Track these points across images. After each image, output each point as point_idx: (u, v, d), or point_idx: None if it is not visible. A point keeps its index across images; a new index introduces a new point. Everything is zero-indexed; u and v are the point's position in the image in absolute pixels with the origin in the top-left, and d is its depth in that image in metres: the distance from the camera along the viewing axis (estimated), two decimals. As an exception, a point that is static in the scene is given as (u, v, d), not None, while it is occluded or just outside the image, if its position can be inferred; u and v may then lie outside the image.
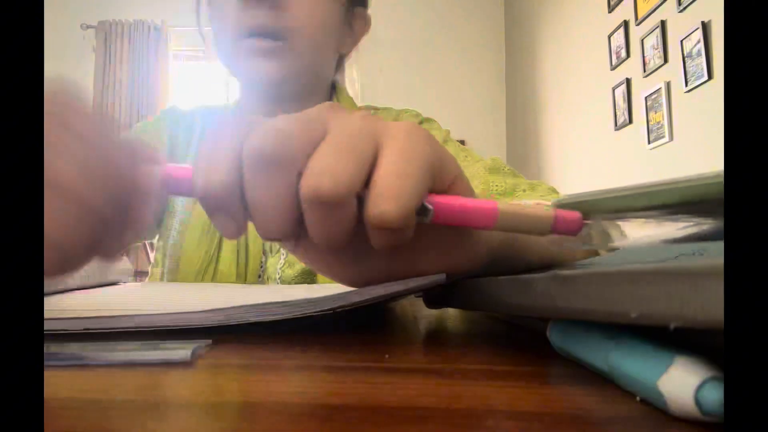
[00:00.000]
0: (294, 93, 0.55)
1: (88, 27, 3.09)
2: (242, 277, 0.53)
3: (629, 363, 0.12)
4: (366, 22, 0.60)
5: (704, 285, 0.07)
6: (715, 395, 0.10)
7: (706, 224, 0.18)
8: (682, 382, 0.10)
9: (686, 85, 1.78)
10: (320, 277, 0.52)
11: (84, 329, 0.20)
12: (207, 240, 0.53)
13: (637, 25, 2.11)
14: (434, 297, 0.24)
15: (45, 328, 0.20)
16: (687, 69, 1.77)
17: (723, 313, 0.07)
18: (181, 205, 0.57)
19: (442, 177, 0.18)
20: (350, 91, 0.64)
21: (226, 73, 0.57)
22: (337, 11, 0.54)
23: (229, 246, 0.53)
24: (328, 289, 0.35)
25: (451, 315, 0.29)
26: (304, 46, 0.51)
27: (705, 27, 1.71)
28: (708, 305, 0.07)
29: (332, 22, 0.54)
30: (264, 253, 0.54)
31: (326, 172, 0.16)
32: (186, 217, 0.55)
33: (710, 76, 1.68)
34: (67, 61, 3.04)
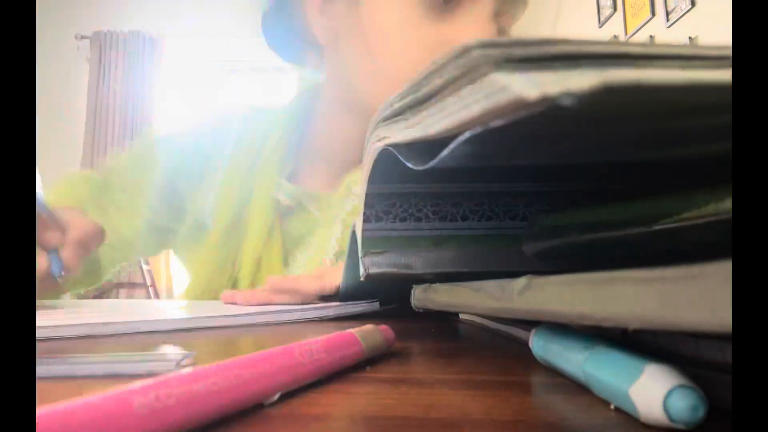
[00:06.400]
0: None
1: (82, 37, 3.08)
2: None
3: (603, 371, 0.12)
4: None
5: (654, 288, 0.08)
6: (683, 403, 0.10)
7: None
8: (651, 390, 0.10)
9: (675, 98, 1.81)
10: None
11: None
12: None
13: (627, 39, 2.14)
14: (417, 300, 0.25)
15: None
16: (676, 83, 1.80)
17: (677, 314, 0.07)
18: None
19: None
20: None
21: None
22: None
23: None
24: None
25: (435, 325, 0.29)
26: None
27: (692, 42, 1.74)
28: (662, 308, 0.08)
29: None
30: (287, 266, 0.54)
31: None
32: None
33: (698, 90, 1.70)
34: (60, 72, 3.04)
